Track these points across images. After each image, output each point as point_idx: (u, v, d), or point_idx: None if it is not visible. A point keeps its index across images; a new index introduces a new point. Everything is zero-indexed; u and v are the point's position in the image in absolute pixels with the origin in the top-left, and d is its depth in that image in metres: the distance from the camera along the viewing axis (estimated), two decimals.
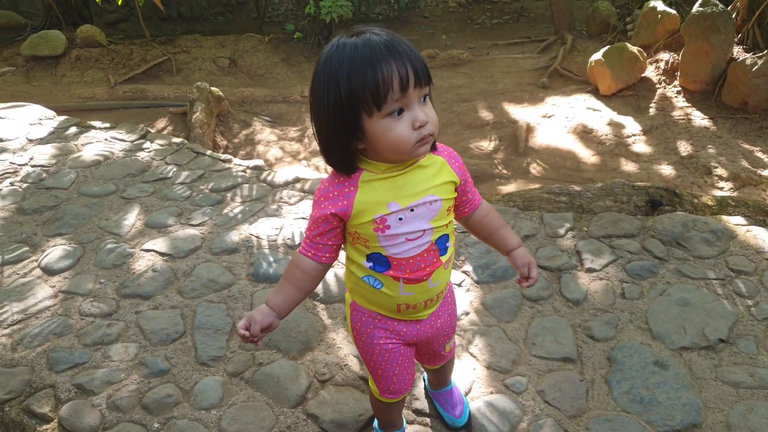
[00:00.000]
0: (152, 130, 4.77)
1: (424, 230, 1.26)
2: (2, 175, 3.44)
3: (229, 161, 3.64)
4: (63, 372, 2.01)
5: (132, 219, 2.94)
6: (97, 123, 4.27)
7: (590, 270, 2.49)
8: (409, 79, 1.10)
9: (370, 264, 1.29)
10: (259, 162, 3.62)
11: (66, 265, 2.57)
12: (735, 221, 2.80)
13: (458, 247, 2.65)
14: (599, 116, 5.42)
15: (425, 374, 1.87)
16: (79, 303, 2.33)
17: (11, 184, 3.33)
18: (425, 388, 1.87)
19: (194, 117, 4.67)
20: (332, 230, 1.27)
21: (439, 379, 1.76)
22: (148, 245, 2.71)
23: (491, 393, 1.90)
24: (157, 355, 2.07)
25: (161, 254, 2.64)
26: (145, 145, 3.88)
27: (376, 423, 1.72)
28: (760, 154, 4.38)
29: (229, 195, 3.19)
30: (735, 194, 3.87)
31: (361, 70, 1.09)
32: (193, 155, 3.73)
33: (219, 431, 1.79)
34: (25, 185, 3.30)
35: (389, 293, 1.31)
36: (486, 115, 5.53)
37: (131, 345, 2.12)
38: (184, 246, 2.68)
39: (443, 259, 1.32)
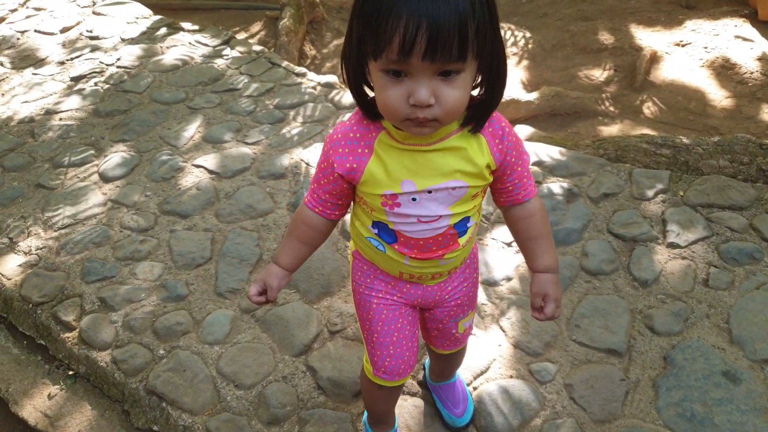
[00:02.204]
0: (244, 35, 4.68)
1: (441, 216, 1.05)
2: (90, 74, 3.52)
3: (303, 75, 3.46)
4: (92, 283, 2.06)
5: (192, 131, 2.90)
6: (186, 25, 4.23)
7: (672, 245, 2.08)
8: (415, 45, 0.82)
9: (376, 230, 1.12)
10: (332, 78, 3.40)
11: (121, 173, 2.60)
12: None
13: None
14: (749, 48, 4.50)
15: (427, 360, 1.66)
16: (122, 214, 2.36)
17: (95, 84, 3.41)
18: (425, 377, 1.67)
19: (281, 24, 4.48)
20: (342, 192, 1.09)
21: (443, 368, 1.54)
22: (199, 160, 2.66)
23: (510, 377, 1.68)
24: (178, 278, 2.05)
25: (209, 171, 2.59)
26: (225, 52, 3.79)
27: (365, 416, 1.55)
28: None
29: (291, 113, 3.04)
30: None
31: (375, 3, 0.84)
32: (268, 66, 3.58)
33: (216, 369, 1.75)
34: (106, 86, 3.36)
35: (392, 261, 1.15)
36: (606, 38, 4.81)
37: (157, 265, 2.11)
38: (233, 165, 2.61)
39: (461, 240, 1.11)
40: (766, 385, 1.62)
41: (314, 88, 3.30)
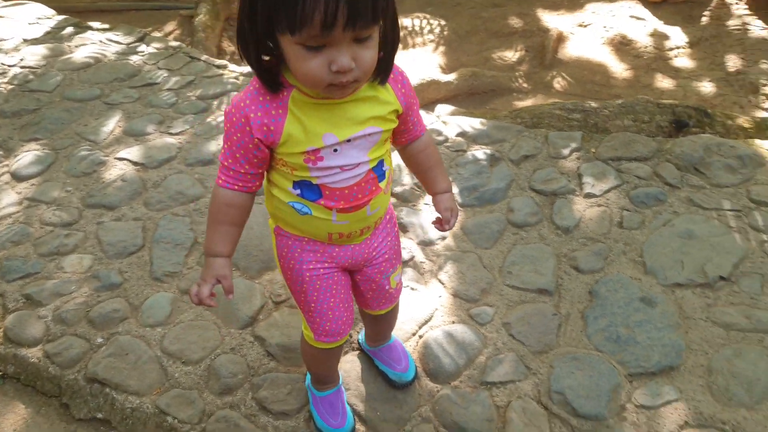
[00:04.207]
0: (158, 33, 4.55)
1: (360, 162, 1.08)
2: None
3: (224, 67, 3.43)
4: (14, 281, 1.96)
5: (111, 125, 2.81)
6: (95, 24, 4.06)
7: (589, 195, 2.24)
8: (336, 19, 0.84)
9: (298, 191, 1.10)
10: None
11: (35, 171, 2.48)
12: None
13: (447, 167, 2.42)
14: (642, 26, 4.87)
15: (361, 332, 1.67)
16: (42, 211, 2.26)
17: None
18: (360, 346, 1.67)
19: (197, 20, 4.40)
20: (262, 158, 1.06)
21: (380, 331, 1.56)
22: (122, 153, 2.58)
23: (452, 323, 1.76)
24: (111, 268, 1.99)
25: (134, 163, 2.52)
26: (140, 49, 3.68)
27: (308, 379, 1.55)
28: None
29: (215, 103, 3.01)
30: None
31: None
32: (187, 60, 3.52)
33: (160, 349, 1.72)
34: (10, 87, 3.18)
35: (319, 222, 1.13)
36: (516, 22, 5.06)
37: (86, 257, 2.04)
38: (158, 155, 2.55)
39: (382, 185, 1.15)
40: (677, 305, 1.79)
41: (236, 78, 3.27)
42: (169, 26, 5.45)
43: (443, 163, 1.31)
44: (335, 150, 1.04)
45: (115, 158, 2.56)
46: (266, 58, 0.99)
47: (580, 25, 5.06)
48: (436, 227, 1.30)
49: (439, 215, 1.29)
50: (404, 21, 5.21)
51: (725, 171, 2.29)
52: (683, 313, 1.75)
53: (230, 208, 1.11)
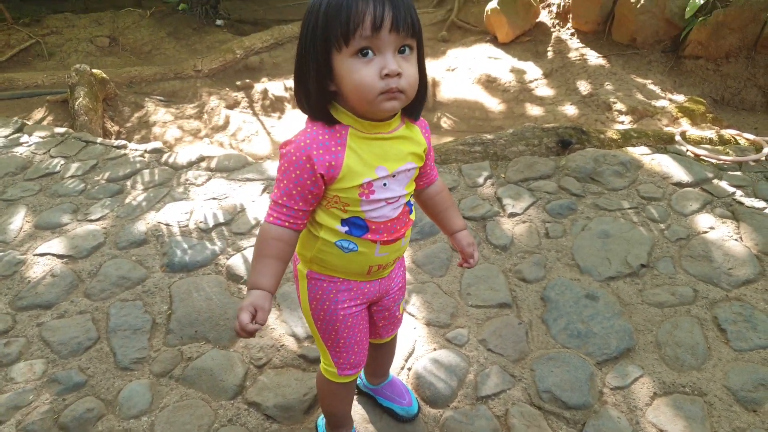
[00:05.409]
0: (29, 123, 4.31)
1: (401, 195, 1.20)
2: None
3: (124, 147, 3.35)
4: None
5: (18, 222, 2.62)
6: None
7: (513, 215, 2.51)
8: (383, 20, 1.01)
9: (346, 228, 1.19)
10: (158, 144, 3.35)
11: None
12: (639, 151, 2.93)
13: None
14: (501, 64, 5.48)
15: (361, 374, 1.72)
16: None
17: None
18: (360, 388, 1.73)
19: (77, 103, 4.21)
20: (317, 195, 1.14)
21: (383, 362, 1.64)
22: (41, 249, 2.42)
23: (434, 349, 1.88)
24: (69, 367, 1.87)
25: (59, 257, 2.37)
26: (22, 139, 3.48)
27: (322, 426, 1.60)
28: (652, 87, 4.61)
29: (128, 183, 2.93)
30: (635, 126, 4.06)
31: (340, 1, 1.02)
32: (81, 144, 3.39)
33: None
34: None
35: (363, 256, 1.22)
36: None
37: (37, 362, 1.89)
38: (84, 244, 2.43)
39: (412, 217, 1.29)
40: (615, 295, 2.07)
41: (142, 155, 3.21)
42: (37, 113, 5.15)
43: (456, 205, 1.44)
44: (384, 184, 1.16)
45: (35, 255, 2.40)
46: (332, 88, 1.10)
47: (449, 70, 5.57)
48: (464, 266, 1.41)
49: (463, 251, 1.40)
50: (286, 82, 5.38)
51: (615, 176, 2.69)
52: (622, 301, 2.03)
53: (278, 242, 1.16)
